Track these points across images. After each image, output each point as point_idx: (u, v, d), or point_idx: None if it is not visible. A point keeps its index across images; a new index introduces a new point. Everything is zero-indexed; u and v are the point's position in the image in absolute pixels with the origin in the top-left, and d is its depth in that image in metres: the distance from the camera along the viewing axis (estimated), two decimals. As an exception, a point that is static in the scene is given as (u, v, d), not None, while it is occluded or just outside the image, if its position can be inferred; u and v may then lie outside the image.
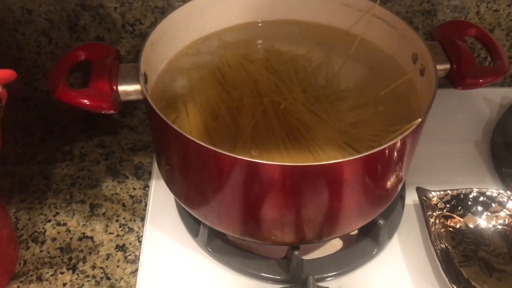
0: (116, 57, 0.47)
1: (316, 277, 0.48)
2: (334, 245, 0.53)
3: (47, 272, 0.51)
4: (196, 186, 0.45)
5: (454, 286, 0.46)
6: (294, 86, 0.51)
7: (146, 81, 0.46)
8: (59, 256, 0.52)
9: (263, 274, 0.49)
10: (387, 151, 0.41)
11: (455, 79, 0.47)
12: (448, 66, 0.47)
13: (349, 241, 0.53)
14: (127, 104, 0.60)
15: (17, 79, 0.66)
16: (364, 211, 0.46)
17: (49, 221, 0.55)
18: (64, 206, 0.57)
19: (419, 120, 0.40)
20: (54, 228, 0.55)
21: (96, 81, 0.44)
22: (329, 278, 0.49)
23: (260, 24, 0.58)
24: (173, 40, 0.53)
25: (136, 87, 0.44)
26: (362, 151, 0.45)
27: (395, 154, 0.42)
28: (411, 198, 0.56)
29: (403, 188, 0.56)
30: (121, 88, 0.44)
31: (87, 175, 0.60)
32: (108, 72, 0.45)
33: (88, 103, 0.43)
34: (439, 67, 0.47)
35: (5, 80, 0.39)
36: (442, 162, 0.60)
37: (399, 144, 0.41)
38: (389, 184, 0.45)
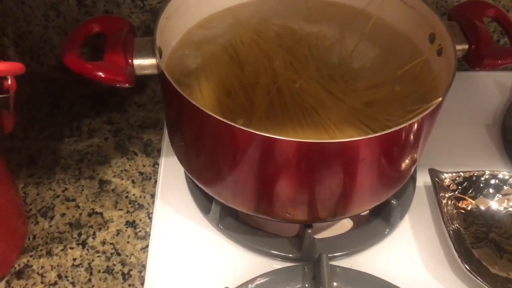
0: (130, 30, 0.46)
1: (328, 255, 0.48)
2: (344, 225, 0.53)
3: (57, 247, 0.51)
4: (211, 163, 0.45)
5: (466, 266, 0.46)
6: (308, 64, 0.51)
7: (160, 56, 0.45)
8: (68, 232, 0.52)
9: (274, 252, 0.49)
10: (405, 130, 0.40)
11: (473, 60, 0.47)
12: (466, 46, 0.47)
13: (359, 221, 0.53)
14: (136, 81, 0.60)
15: (24, 53, 0.66)
16: (378, 191, 0.46)
17: (58, 196, 0.55)
18: (72, 181, 0.56)
19: (440, 99, 0.40)
20: (63, 203, 0.54)
21: (111, 54, 0.43)
22: (340, 257, 0.49)
23: (273, 1, 0.57)
24: (187, 15, 0.52)
25: (151, 61, 0.44)
26: (378, 130, 0.45)
27: (413, 134, 0.42)
28: (421, 179, 0.55)
29: (415, 170, 0.56)
30: (136, 62, 0.44)
31: (96, 151, 0.60)
32: (123, 45, 0.44)
33: (103, 75, 0.42)
34: (457, 47, 0.46)
35: (14, 73, 0.39)
36: (453, 144, 0.60)
37: (417, 123, 0.40)
38: (404, 164, 0.45)
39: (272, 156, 0.40)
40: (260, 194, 0.44)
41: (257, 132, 0.38)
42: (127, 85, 0.43)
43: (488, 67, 0.46)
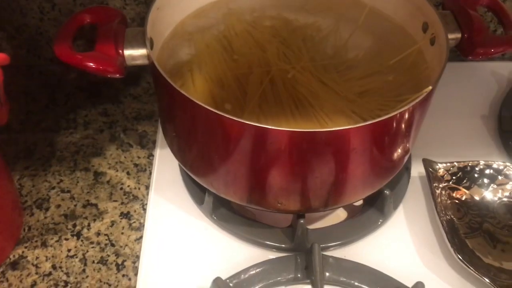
0: (122, 21, 0.46)
1: (320, 246, 0.48)
2: (338, 215, 0.53)
3: (52, 238, 0.51)
4: (203, 153, 0.45)
5: (459, 256, 0.46)
6: (302, 55, 0.51)
7: (152, 47, 0.45)
8: (63, 223, 0.52)
9: (267, 242, 0.49)
10: (395, 119, 0.40)
11: (466, 48, 0.46)
12: (459, 35, 0.47)
13: (353, 212, 0.53)
14: (131, 73, 0.60)
15: (20, 46, 0.66)
16: (371, 180, 0.46)
17: (53, 188, 0.55)
18: (68, 173, 0.57)
19: (430, 88, 0.40)
20: (58, 195, 0.55)
21: (102, 45, 0.43)
22: (333, 248, 0.49)
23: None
24: (179, 5, 0.52)
25: (142, 51, 0.44)
26: (370, 120, 0.44)
27: (404, 123, 0.42)
28: (416, 170, 0.55)
29: (409, 160, 0.56)
30: (127, 52, 0.44)
31: (91, 143, 0.60)
32: (114, 35, 0.44)
33: (93, 66, 0.42)
34: (450, 36, 0.46)
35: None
36: (449, 135, 0.60)
37: (408, 112, 0.40)
38: (396, 153, 0.45)
39: (263, 146, 0.40)
40: (252, 185, 0.44)
41: (248, 122, 0.38)
42: (117, 75, 0.43)
43: (481, 55, 0.46)
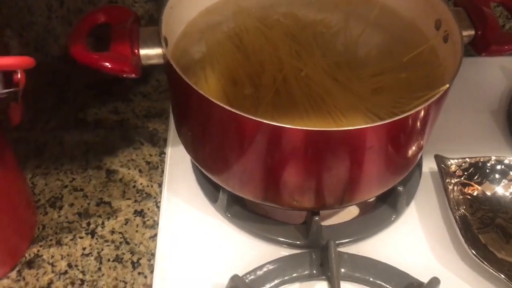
0: (135, 20, 0.46)
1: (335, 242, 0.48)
2: (351, 212, 0.53)
3: (66, 237, 0.51)
4: (218, 152, 0.45)
5: (473, 251, 0.46)
6: (314, 52, 0.51)
7: (166, 45, 0.45)
8: (77, 221, 0.53)
9: (281, 239, 0.49)
10: (411, 118, 0.40)
11: (479, 46, 0.47)
12: (472, 32, 0.47)
13: (366, 208, 0.53)
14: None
15: (28, 44, 0.66)
16: (385, 178, 0.46)
17: (66, 186, 0.55)
18: (80, 172, 0.57)
19: (447, 86, 0.40)
20: (71, 193, 0.55)
21: (117, 45, 0.43)
22: (347, 244, 0.50)
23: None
24: (191, 4, 0.52)
25: (157, 51, 0.44)
26: (384, 117, 0.45)
27: (420, 121, 0.42)
28: (427, 166, 0.56)
29: (421, 156, 0.56)
30: (143, 52, 0.44)
31: (102, 141, 0.60)
32: (128, 35, 0.44)
33: (110, 66, 0.42)
34: (463, 33, 0.46)
35: (24, 67, 0.39)
36: (459, 131, 0.60)
37: (424, 110, 0.41)
38: (411, 151, 0.45)
39: (279, 144, 0.40)
40: (267, 183, 0.44)
41: (264, 121, 0.38)
42: (133, 75, 0.43)
43: (494, 53, 0.46)
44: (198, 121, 0.45)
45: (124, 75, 0.43)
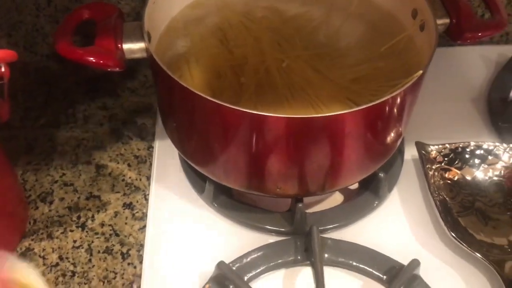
0: (119, 15, 0.47)
1: (319, 228, 0.50)
2: (336, 199, 0.55)
3: (57, 230, 0.52)
4: (203, 143, 0.46)
5: (452, 234, 0.48)
6: (296, 44, 0.52)
7: (149, 40, 0.47)
8: (67, 215, 0.54)
9: (268, 227, 0.51)
10: (388, 103, 0.42)
11: (454, 33, 0.48)
12: (447, 20, 0.48)
13: (350, 195, 0.55)
14: (128, 67, 0.61)
15: (17, 43, 0.67)
16: (365, 163, 0.47)
17: (56, 181, 0.57)
18: (70, 167, 0.58)
19: (420, 72, 0.41)
20: (62, 188, 0.56)
21: (101, 39, 0.44)
22: (331, 230, 0.51)
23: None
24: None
25: (140, 45, 0.45)
26: (364, 105, 0.46)
27: (396, 107, 0.43)
28: (409, 153, 0.57)
29: (402, 143, 0.57)
30: (126, 46, 0.45)
31: (92, 137, 0.61)
32: (112, 30, 0.45)
33: (94, 60, 0.43)
34: (438, 21, 0.47)
35: (7, 60, 0.40)
36: (441, 119, 0.62)
37: (399, 96, 0.42)
38: (389, 137, 0.47)
39: (261, 133, 0.42)
40: (251, 171, 0.46)
41: (246, 110, 0.40)
42: (117, 69, 0.44)
43: (469, 40, 0.47)
44: (182, 113, 0.46)
45: (109, 69, 0.44)
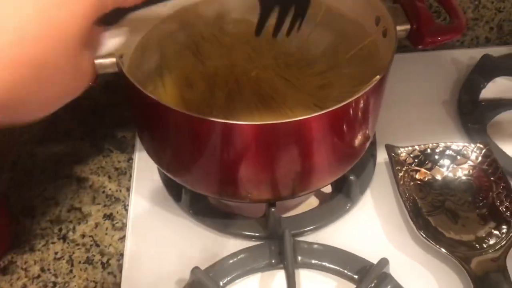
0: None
1: (293, 232, 0.51)
2: (311, 203, 0.56)
3: (39, 243, 0.54)
4: (176, 153, 0.47)
5: (421, 233, 0.49)
6: (265, 55, 0.54)
7: (121, 55, 0.48)
8: (49, 228, 0.55)
9: (243, 232, 0.52)
10: (350, 106, 0.43)
11: (415, 39, 0.49)
12: (408, 26, 0.49)
13: (325, 199, 0.56)
14: (109, 81, 0.63)
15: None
16: (334, 166, 0.49)
17: (38, 196, 0.58)
18: (51, 181, 0.59)
19: (378, 77, 0.43)
20: (43, 202, 0.57)
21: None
22: (306, 233, 0.52)
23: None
24: (147, 13, 0.55)
25: (112, 60, 0.46)
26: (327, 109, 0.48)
27: (359, 110, 0.45)
28: (382, 156, 0.58)
29: (374, 147, 0.59)
30: (97, 61, 0.46)
31: (72, 151, 0.62)
32: (84, 47, 0.47)
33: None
34: (400, 28, 0.49)
35: None
36: (413, 122, 0.63)
37: (360, 100, 0.43)
38: (356, 140, 0.48)
39: (229, 141, 0.43)
40: (222, 179, 0.47)
41: (214, 119, 0.41)
42: (90, 83, 0.46)
43: (429, 44, 0.49)
44: (155, 125, 0.47)
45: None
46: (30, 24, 0.25)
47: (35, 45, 0.26)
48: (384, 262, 0.46)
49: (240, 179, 0.46)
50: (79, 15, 0.27)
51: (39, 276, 0.51)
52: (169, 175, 0.52)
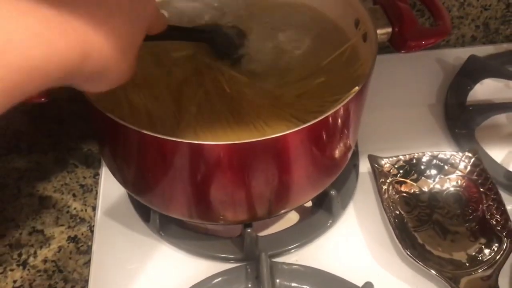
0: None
1: (271, 252, 0.48)
2: (291, 219, 0.53)
3: (-3, 270, 0.50)
4: (140, 173, 0.44)
5: (408, 252, 0.46)
6: (236, 65, 0.50)
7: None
8: (8, 253, 0.51)
9: (218, 255, 0.48)
10: (330, 119, 0.40)
11: (398, 43, 0.46)
12: (390, 29, 0.46)
13: (305, 214, 0.52)
14: (74, 91, 0.58)
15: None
16: (313, 182, 0.45)
17: (-3, 217, 0.54)
18: (11, 201, 0.55)
19: (357, 88, 0.40)
20: (2, 224, 0.53)
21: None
22: (285, 253, 0.49)
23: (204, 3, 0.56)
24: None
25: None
26: (302, 124, 0.44)
27: (339, 122, 0.41)
28: (365, 166, 0.55)
29: (357, 157, 0.55)
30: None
31: (35, 167, 0.58)
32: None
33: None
34: (381, 31, 0.46)
35: None
36: (397, 128, 0.60)
37: (341, 112, 0.40)
38: (337, 153, 0.44)
39: (199, 161, 0.39)
40: (192, 200, 0.43)
41: (181, 140, 0.37)
42: (42, 99, 0.42)
43: (413, 48, 0.45)
44: (115, 145, 0.43)
45: (33, 100, 0.42)
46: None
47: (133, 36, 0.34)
48: (368, 287, 0.43)
49: (211, 201, 0.42)
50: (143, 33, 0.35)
51: (-5, 308, 0.47)
52: (134, 195, 0.48)
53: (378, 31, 0.45)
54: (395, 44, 0.47)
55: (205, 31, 0.50)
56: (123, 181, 0.47)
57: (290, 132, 0.38)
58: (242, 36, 0.51)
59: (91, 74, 0.31)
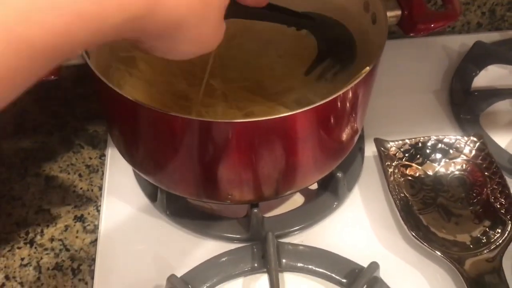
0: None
1: (277, 233, 0.48)
2: (296, 201, 0.53)
3: (4, 248, 0.50)
4: (149, 152, 0.44)
5: (413, 233, 0.46)
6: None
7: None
8: (15, 231, 0.51)
9: (224, 234, 0.49)
10: (338, 101, 0.40)
11: (407, 26, 0.46)
12: (399, 12, 0.46)
13: (310, 196, 0.53)
14: (80, 72, 0.58)
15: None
16: (320, 164, 0.45)
17: (4, 196, 0.54)
18: (18, 180, 0.55)
19: (367, 69, 0.40)
20: (9, 203, 0.53)
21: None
22: (291, 234, 0.49)
23: None
24: None
25: (76, 50, 0.42)
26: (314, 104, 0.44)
27: (347, 104, 0.41)
28: (370, 150, 0.55)
29: (362, 140, 0.56)
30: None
31: (41, 147, 0.58)
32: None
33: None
34: (390, 14, 0.46)
35: None
36: (403, 112, 0.60)
37: (349, 93, 0.40)
38: (344, 135, 0.45)
39: (208, 140, 0.39)
40: (200, 179, 0.43)
41: (191, 118, 0.38)
42: (52, 77, 0.42)
43: (421, 32, 0.45)
44: (126, 123, 0.43)
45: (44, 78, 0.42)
46: None
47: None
48: (374, 266, 0.43)
49: (220, 180, 0.43)
50: None
51: (3, 285, 0.47)
52: (142, 175, 0.48)
53: (388, 14, 0.45)
54: (404, 27, 0.47)
55: (314, 19, 0.45)
56: (132, 160, 0.47)
57: (298, 112, 0.38)
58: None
59: (163, 29, 0.26)
